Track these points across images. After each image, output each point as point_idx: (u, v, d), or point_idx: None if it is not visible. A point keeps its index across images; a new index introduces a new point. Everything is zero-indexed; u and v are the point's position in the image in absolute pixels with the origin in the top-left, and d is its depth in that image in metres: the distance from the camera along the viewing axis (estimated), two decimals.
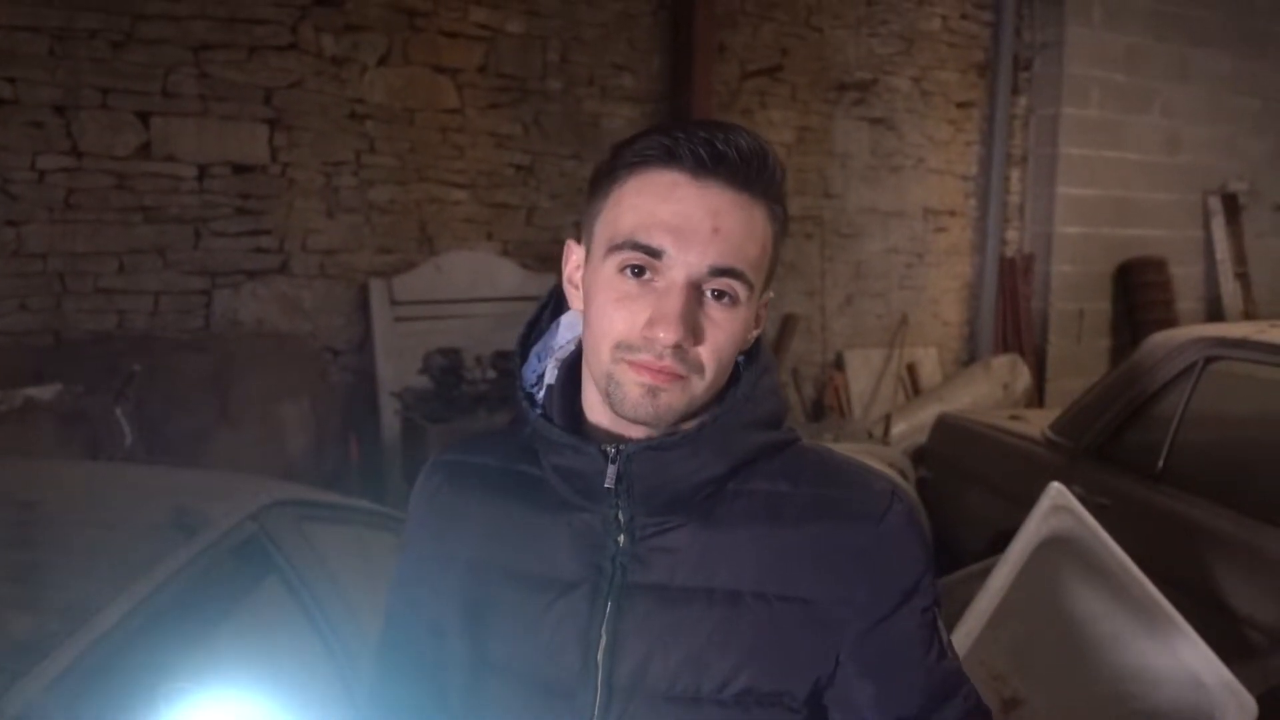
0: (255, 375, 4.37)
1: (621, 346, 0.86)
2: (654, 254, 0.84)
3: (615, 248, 0.86)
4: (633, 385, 0.86)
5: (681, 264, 0.84)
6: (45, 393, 3.67)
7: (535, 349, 1.01)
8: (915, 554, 0.92)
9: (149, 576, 1.16)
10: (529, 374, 1.00)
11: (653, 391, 0.85)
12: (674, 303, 0.84)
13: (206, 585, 1.29)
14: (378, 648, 1.08)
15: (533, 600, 0.92)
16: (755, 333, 0.95)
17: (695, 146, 0.84)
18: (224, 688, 1.08)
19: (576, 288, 0.96)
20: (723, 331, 0.87)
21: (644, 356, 0.85)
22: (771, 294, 0.97)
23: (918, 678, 0.90)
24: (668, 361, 0.84)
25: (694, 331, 0.85)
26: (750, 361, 0.96)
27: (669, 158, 0.85)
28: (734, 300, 0.87)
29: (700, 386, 0.87)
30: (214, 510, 1.43)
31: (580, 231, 0.95)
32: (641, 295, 0.85)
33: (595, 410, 0.94)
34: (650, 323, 0.84)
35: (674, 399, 0.86)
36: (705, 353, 0.86)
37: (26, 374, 3.81)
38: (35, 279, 4.09)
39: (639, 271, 0.85)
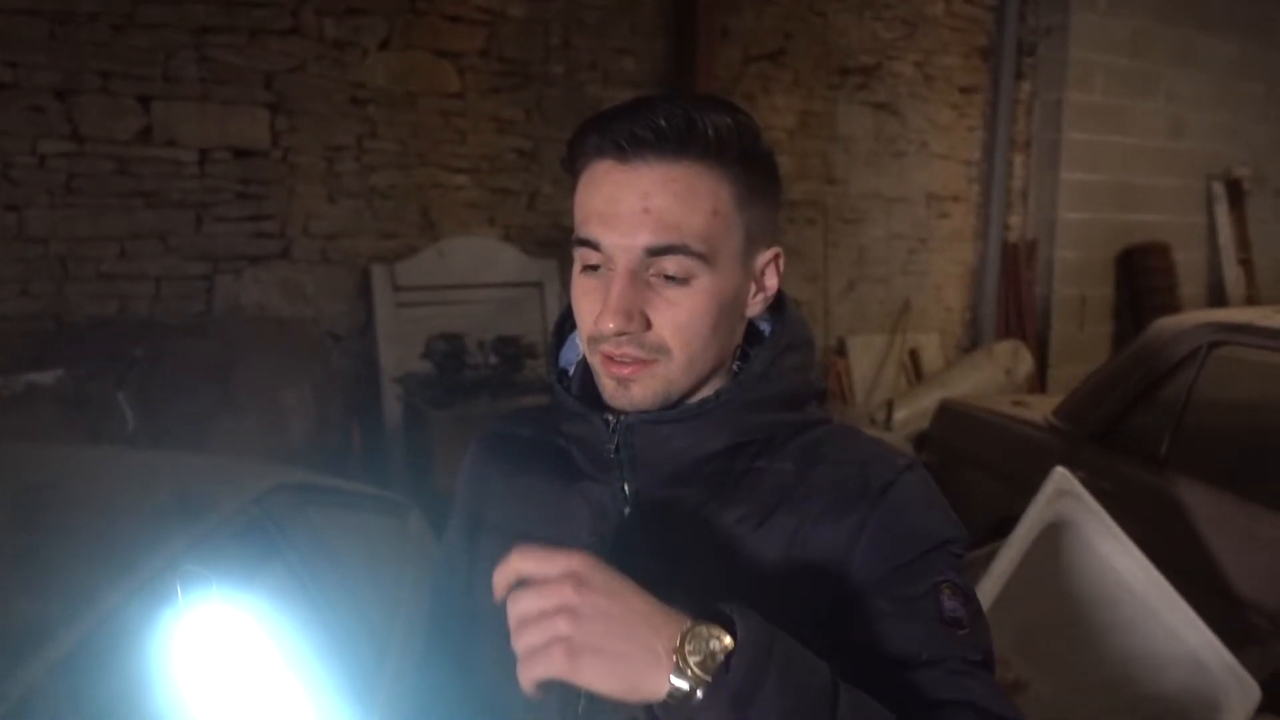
0: (257, 361, 4.36)
1: (591, 340, 0.89)
2: (594, 246, 0.86)
3: (573, 245, 0.89)
4: (606, 379, 0.89)
5: (618, 249, 0.85)
6: (47, 378, 3.67)
7: (577, 331, 1.04)
8: (918, 519, 0.89)
9: (151, 560, 1.16)
10: (569, 352, 1.03)
11: (623, 384, 0.88)
12: (614, 292, 0.85)
13: (209, 569, 1.29)
14: (429, 607, 1.13)
15: None
16: (761, 296, 0.94)
17: (617, 131, 0.84)
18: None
19: None
20: (682, 310, 0.86)
21: (605, 347, 0.87)
22: (775, 250, 0.95)
23: (905, 635, 0.84)
24: (625, 348, 0.86)
25: (641, 316, 0.85)
26: (771, 338, 0.95)
27: (598, 149, 0.86)
28: (687, 277, 0.86)
29: (673, 369, 0.88)
30: (217, 494, 1.43)
31: None
32: (597, 288, 0.87)
33: None
34: (599, 315, 0.85)
35: (645, 387, 0.88)
36: (666, 333, 0.86)
37: (28, 359, 3.81)
38: (36, 264, 4.08)
39: (595, 267, 0.87)
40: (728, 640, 0.70)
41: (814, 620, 0.87)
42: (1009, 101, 6.86)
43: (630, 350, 0.86)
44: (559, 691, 0.89)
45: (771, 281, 0.95)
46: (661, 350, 0.87)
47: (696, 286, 0.86)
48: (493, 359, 4.48)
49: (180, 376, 4.12)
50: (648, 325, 0.86)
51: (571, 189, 0.93)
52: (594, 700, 0.88)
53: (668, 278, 0.85)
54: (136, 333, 4.12)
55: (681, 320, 0.86)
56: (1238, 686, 2.14)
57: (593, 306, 0.87)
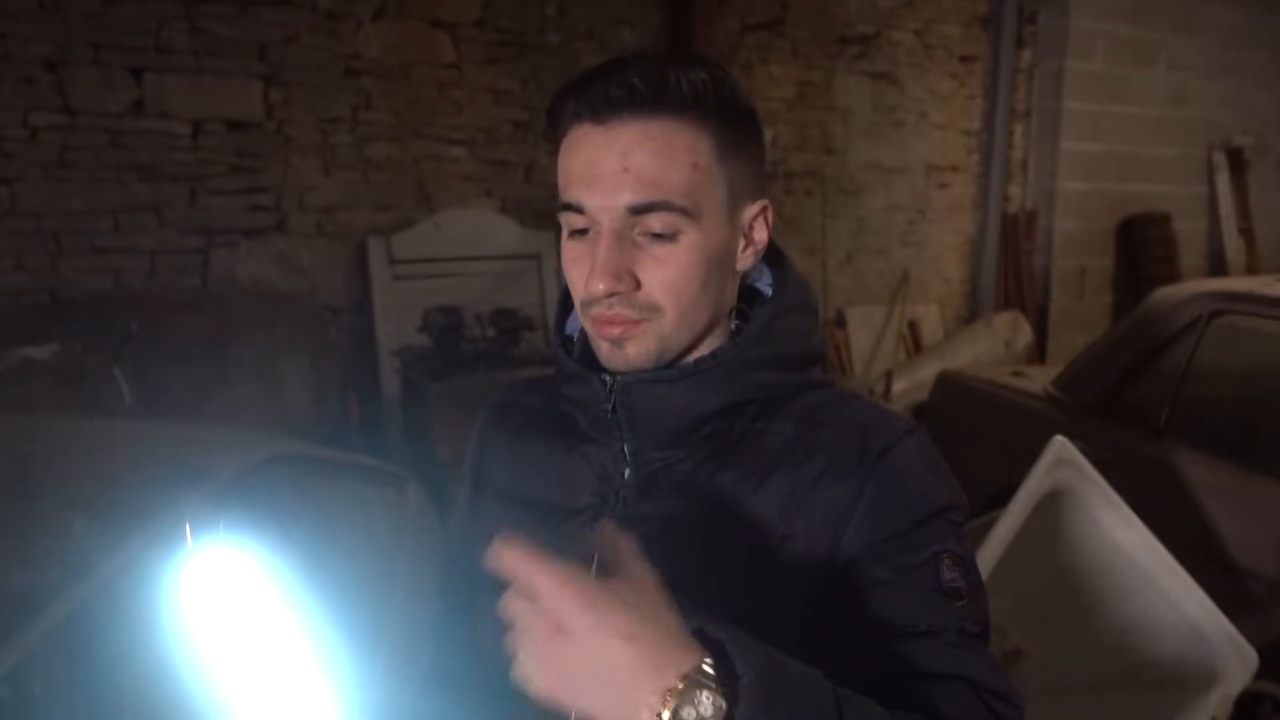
0: (254, 334, 4.35)
1: (583, 304, 0.89)
2: (578, 210, 0.86)
3: (559, 211, 0.89)
4: (600, 341, 0.89)
5: (601, 210, 0.85)
6: (42, 352, 3.65)
7: None
8: (919, 485, 0.87)
9: (148, 529, 1.15)
10: (573, 323, 1.03)
11: (617, 344, 0.88)
12: (599, 253, 0.85)
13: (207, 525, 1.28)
14: (442, 574, 1.15)
15: (539, 526, 0.95)
16: (750, 250, 0.94)
17: (591, 94, 0.84)
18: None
19: None
20: (669, 267, 0.86)
21: (596, 310, 0.87)
22: (763, 203, 0.94)
23: (901, 604, 0.83)
24: (616, 309, 0.86)
25: (630, 275, 0.85)
26: (772, 298, 0.95)
27: (575, 114, 0.86)
28: (673, 233, 0.85)
29: (666, 325, 0.88)
30: (214, 463, 1.42)
31: None
32: (585, 253, 0.87)
33: None
34: (588, 278, 0.86)
35: (639, 347, 0.88)
36: (655, 292, 0.86)
37: (23, 334, 3.79)
38: (30, 238, 4.06)
39: (582, 231, 0.87)
40: (722, 704, 0.64)
41: (808, 584, 0.87)
42: (1009, 70, 6.80)
43: (621, 311, 0.86)
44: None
45: (760, 235, 0.94)
46: (653, 309, 0.87)
47: (683, 242, 0.86)
48: (490, 331, 4.47)
49: (177, 351, 4.10)
50: (637, 285, 0.86)
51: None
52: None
53: (654, 235, 0.85)
54: (132, 307, 4.10)
55: (670, 277, 0.86)
56: (1236, 654, 2.14)
57: (582, 271, 0.87)
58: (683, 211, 0.85)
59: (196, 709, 1.00)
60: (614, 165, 0.83)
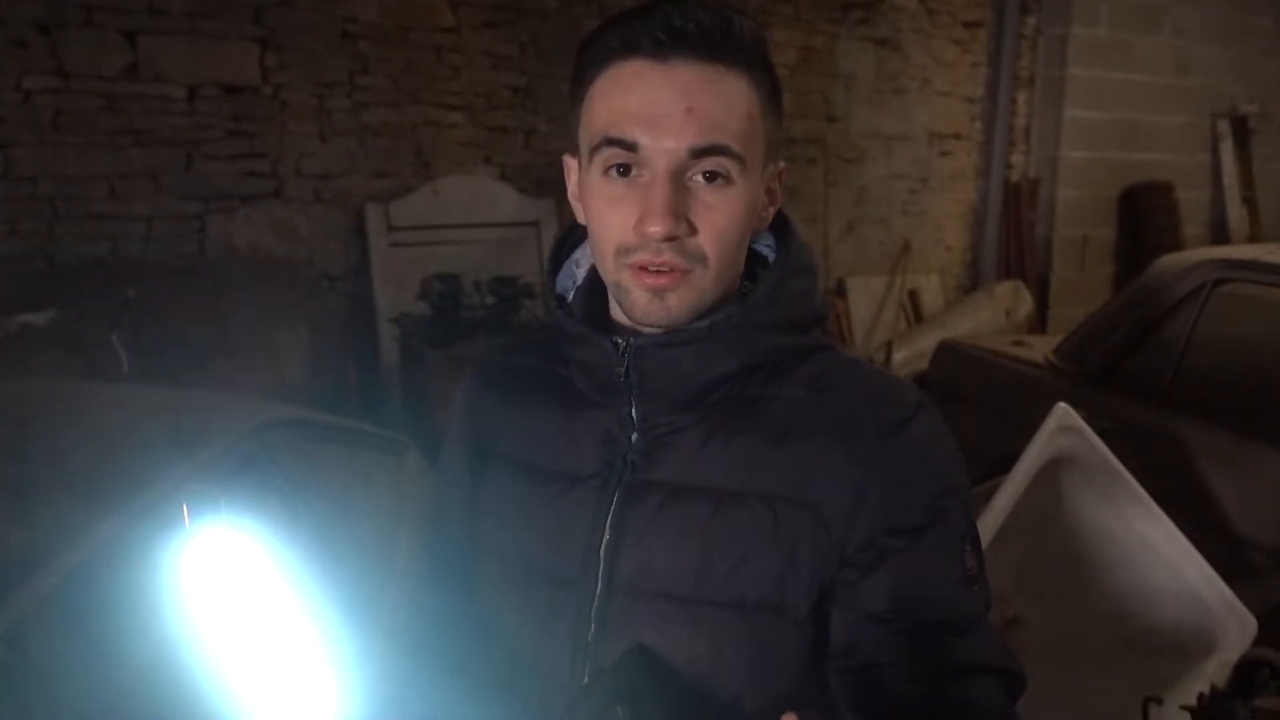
0: (252, 301, 4.33)
1: (621, 251, 0.84)
2: (630, 147, 0.82)
3: (595, 149, 0.84)
4: (639, 292, 0.85)
5: (660, 152, 0.81)
6: (40, 319, 3.64)
7: (574, 256, 1.01)
8: (936, 468, 0.88)
9: (146, 492, 1.14)
10: (565, 279, 1.00)
11: (659, 295, 0.84)
12: (659, 194, 0.81)
13: (204, 502, 1.27)
14: (427, 538, 1.14)
15: (544, 493, 0.93)
16: (772, 208, 0.93)
17: (651, 30, 0.80)
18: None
19: (579, 201, 0.93)
20: (720, 214, 0.83)
21: (642, 256, 0.83)
22: (783, 164, 0.93)
23: (928, 597, 0.85)
24: (666, 256, 0.82)
25: (686, 220, 0.82)
26: (778, 260, 0.93)
27: (627, 48, 0.82)
28: (726, 179, 0.83)
29: (708, 278, 0.85)
30: (211, 427, 1.41)
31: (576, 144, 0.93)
32: (629, 195, 0.83)
33: (617, 309, 0.93)
34: (640, 220, 0.81)
35: (682, 298, 0.84)
36: (705, 240, 0.83)
37: (20, 300, 3.77)
38: (25, 203, 4.02)
39: (624, 170, 0.83)
40: None
41: (833, 556, 0.86)
42: (1013, 37, 6.72)
43: (671, 257, 0.82)
44: (570, 620, 0.89)
45: (777, 195, 0.93)
46: (699, 258, 0.84)
47: (732, 192, 0.84)
48: (489, 299, 4.45)
49: (174, 318, 4.08)
50: (692, 231, 0.83)
51: (570, 116, 0.89)
52: (604, 628, 0.87)
53: (708, 179, 0.82)
54: (129, 273, 4.08)
55: (720, 225, 0.83)
56: (1235, 621, 2.15)
57: (624, 213, 0.83)
58: (739, 159, 0.83)
59: (196, 672, 1.00)
60: (677, 105, 0.80)
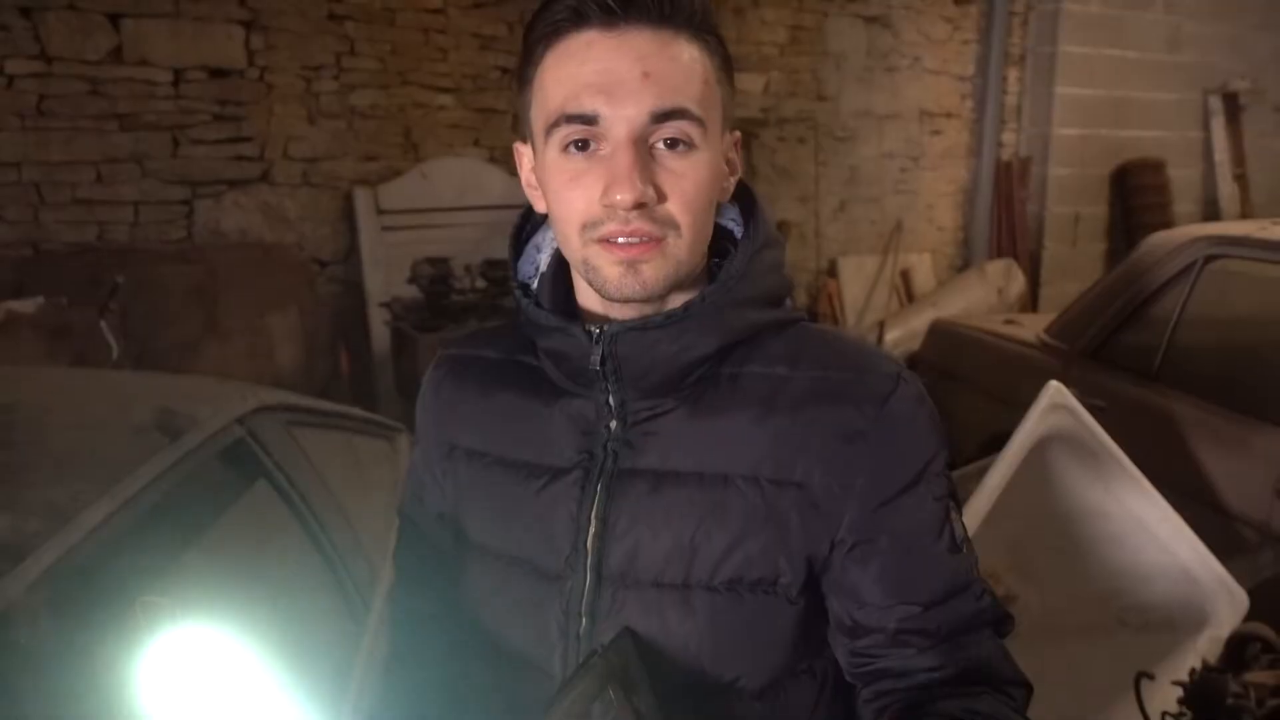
0: (241, 287, 4.31)
1: (588, 226, 0.82)
2: (589, 120, 0.80)
3: (551, 127, 0.82)
4: (610, 266, 0.83)
5: (620, 119, 0.79)
6: (27, 306, 3.61)
7: (534, 240, 0.99)
8: (922, 438, 0.87)
9: (133, 478, 1.13)
10: (526, 265, 0.98)
11: (632, 267, 0.82)
12: (623, 161, 0.79)
13: (192, 488, 1.26)
14: (396, 536, 1.11)
15: (525, 486, 0.91)
16: (733, 179, 0.92)
17: None
18: (197, 606, 1.06)
19: (535, 188, 0.92)
20: (688, 180, 0.82)
21: (610, 227, 0.81)
22: (738, 134, 0.92)
23: (922, 566, 0.86)
24: (636, 224, 0.80)
25: (655, 186, 0.80)
26: (747, 234, 0.91)
27: (577, 18, 0.80)
28: (689, 145, 0.82)
29: (681, 247, 0.83)
30: (199, 413, 1.40)
31: (524, 131, 0.91)
32: (591, 168, 0.81)
33: (585, 295, 0.91)
34: (606, 189, 0.80)
35: (657, 269, 0.83)
36: (675, 207, 0.82)
37: (7, 287, 3.75)
38: (10, 189, 3.99)
39: (582, 145, 0.81)
40: None
41: (826, 533, 0.86)
42: (1004, 13, 6.70)
43: (642, 225, 0.80)
44: (560, 614, 0.88)
45: (736, 165, 0.92)
46: (671, 225, 0.82)
47: (697, 158, 0.82)
48: (480, 282, 4.43)
49: (164, 304, 4.06)
50: (660, 197, 0.81)
51: (519, 101, 0.88)
52: (595, 620, 0.87)
53: (670, 145, 0.81)
54: (117, 259, 4.06)
55: (688, 191, 0.82)
56: (1226, 596, 2.15)
57: (587, 188, 0.81)
58: (699, 122, 0.82)
59: (178, 665, 0.99)
60: (633, 71, 0.79)
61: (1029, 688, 0.88)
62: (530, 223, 0.99)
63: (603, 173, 0.80)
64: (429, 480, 1.02)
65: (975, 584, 0.88)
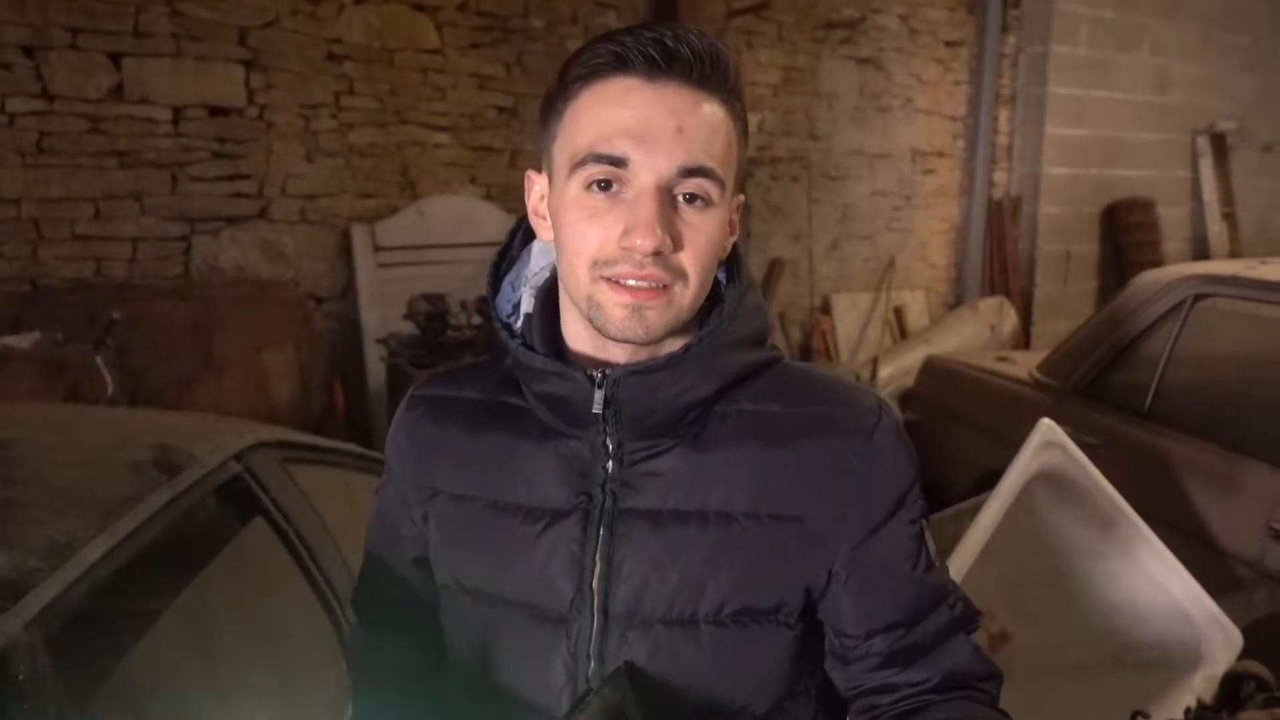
0: (238, 323, 4.31)
1: (599, 264, 0.83)
2: (618, 163, 0.82)
3: (578, 164, 0.83)
4: (615, 307, 0.84)
5: (648, 168, 0.81)
6: (23, 341, 3.61)
7: (508, 278, 0.99)
8: (903, 466, 0.91)
9: (131, 515, 1.14)
10: (504, 304, 0.98)
11: (637, 311, 0.83)
12: (647, 208, 0.81)
13: (190, 525, 1.27)
14: (358, 583, 1.09)
15: (522, 530, 0.91)
16: (732, 239, 0.93)
17: (645, 48, 0.81)
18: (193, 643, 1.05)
19: (543, 218, 0.93)
20: (702, 234, 0.84)
21: (623, 268, 0.82)
22: (743, 197, 0.95)
23: (905, 589, 0.90)
24: (649, 270, 0.82)
25: (672, 236, 0.82)
26: (732, 278, 0.94)
27: (619, 64, 0.82)
28: (707, 201, 0.84)
29: (686, 296, 0.85)
30: (196, 450, 1.40)
31: (540, 160, 0.93)
32: (612, 208, 0.83)
33: (577, 336, 0.92)
34: (626, 232, 0.81)
35: (661, 314, 0.84)
36: (687, 258, 0.84)
37: (3, 322, 3.75)
38: (9, 225, 4.01)
39: (606, 185, 0.83)
40: None
41: (825, 564, 0.89)
42: (994, 55, 6.81)
43: (654, 271, 0.82)
44: (566, 656, 0.88)
45: (736, 225, 0.94)
46: (681, 274, 0.84)
47: (712, 214, 0.85)
48: (476, 319, 4.44)
49: (160, 339, 4.07)
50: (676, 247, 0.83)
51: (541, 131, 0.89)
52: (603, 661, 0.87)
53: (689, 200, 0.83)
54: (114, 295, 4.07)
55: (701, 245, 0.84)
56: (1220, 634, 2.15)
57: (606, 226, 0.83)
58: (720, 183, 0.84)
59: (184, 695, 0.99)
60: (668, 123, 0.81)
61: (1000, 678, 0.93)
62: (505, 260, 0.99)
63: (623, 214, 0.82)
64: (405, 523, 1.00)
65: (951, 594, 0.93)
